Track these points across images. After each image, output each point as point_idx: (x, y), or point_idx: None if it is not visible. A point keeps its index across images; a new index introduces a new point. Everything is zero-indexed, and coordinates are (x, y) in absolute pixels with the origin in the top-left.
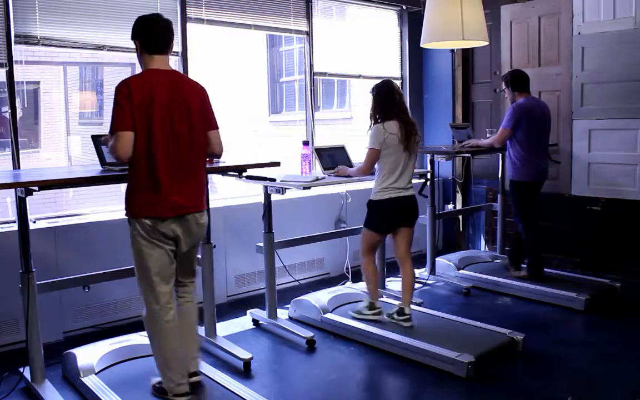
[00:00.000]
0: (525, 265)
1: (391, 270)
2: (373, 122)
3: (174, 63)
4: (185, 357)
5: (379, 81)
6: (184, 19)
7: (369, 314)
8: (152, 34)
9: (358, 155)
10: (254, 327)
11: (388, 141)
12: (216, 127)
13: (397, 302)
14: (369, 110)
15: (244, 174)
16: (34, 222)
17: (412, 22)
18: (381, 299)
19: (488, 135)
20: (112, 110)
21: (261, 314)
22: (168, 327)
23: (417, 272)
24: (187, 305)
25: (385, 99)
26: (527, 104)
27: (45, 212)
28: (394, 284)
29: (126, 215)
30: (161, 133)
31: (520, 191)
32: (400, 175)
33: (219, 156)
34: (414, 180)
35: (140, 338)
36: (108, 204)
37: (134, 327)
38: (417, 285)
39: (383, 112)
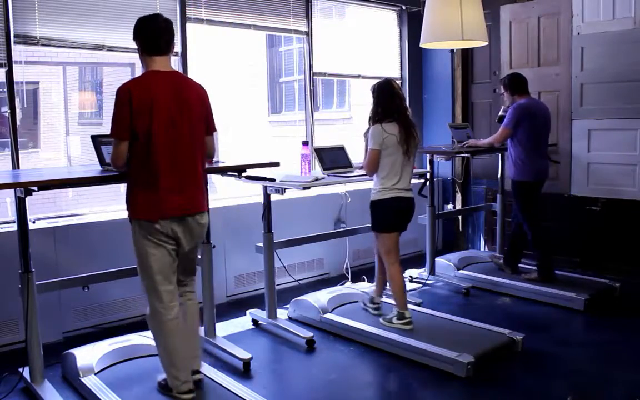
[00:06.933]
0: (535, 267)
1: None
2: (372, 122)
3: (173, 63)
4: (189, 356)
5: (379, 80)
6: (184, 19)
7: (398, 324)
8: (151, 35)
9: (358, 155)
10: (253, 327)
11: (387, 141)
12: (214, 130)
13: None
14: (369, 112)
15: (244, 174)
16: (34, 222)
17: (412, 22)
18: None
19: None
20: (112, 113)
21: (261, 314)
22: (171, 325)
23: (417, 272)
24: (189, 303)
25: (385, 102)
26: (527, 104)
27: (45, 212)
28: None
29: (128, 215)
30: (162, 135)
31: (523, 191)
32: (400, 177)
33: (211, 158)
34: (414, 180)
35: (139, 338)
36: (107, 204)
37: (133, 327)
38: (417, 286)
39: (383, 114)
